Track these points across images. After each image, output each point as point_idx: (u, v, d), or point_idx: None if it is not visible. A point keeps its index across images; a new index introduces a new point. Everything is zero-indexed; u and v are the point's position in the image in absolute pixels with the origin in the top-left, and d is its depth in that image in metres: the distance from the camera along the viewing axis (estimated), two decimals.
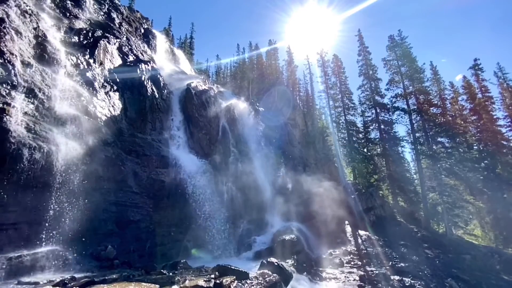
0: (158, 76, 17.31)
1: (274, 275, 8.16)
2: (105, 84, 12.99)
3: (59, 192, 8.58)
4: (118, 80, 13.85)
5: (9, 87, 8.21)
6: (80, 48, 13.20)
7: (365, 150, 30.35)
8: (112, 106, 12.73)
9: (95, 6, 19.07)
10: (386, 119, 30.10)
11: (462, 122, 28.48)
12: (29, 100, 8.69)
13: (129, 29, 22.24)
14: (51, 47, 10.80)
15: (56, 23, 13.26)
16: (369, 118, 31.39)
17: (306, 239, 15.22)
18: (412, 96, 27.61)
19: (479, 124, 28.62)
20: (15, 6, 10.13)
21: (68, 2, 15.87)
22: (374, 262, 14.04)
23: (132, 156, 12.53)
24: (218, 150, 18.45)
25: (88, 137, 10.32)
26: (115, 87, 13.44)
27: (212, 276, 7.03)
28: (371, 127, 31.20)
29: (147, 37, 24.54)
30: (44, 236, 7.95)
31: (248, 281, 7.28)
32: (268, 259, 9.12)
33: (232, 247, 14.08)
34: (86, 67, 12.55)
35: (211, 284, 6.17)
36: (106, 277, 6.40)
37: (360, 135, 31.80)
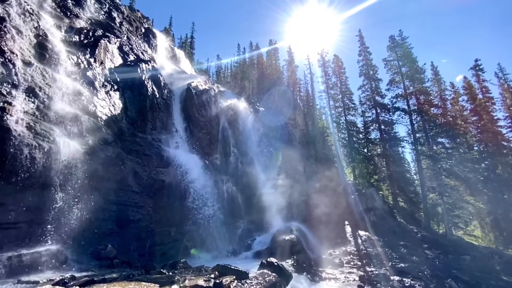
0: (159, 75, 17.31)
1: (274, 275, 8.14)
2: (106, 83, 12.98)
3: (59, 191, 8.57)
4: (118, 79, 13.84)
5: (9, 86, 8.20)
6: (81, 48, 13.19)
7: (366, 150, 30.40)
8: (113, 106, 12.73)
9: (95, 5, 19.07)
10: (386, 119, 30.11)
11: (463, 123, 28.46)
12: (30, 99, 8.68)
13: (130, 28, 22.24)
14: (51, 46, 10.80)
15: (57, 22, 13.26)
16: (370, 118, 31.43)
17: (306, 239, 15.22)
18: (412, 96, 27.64)
19: (479, 125, 28.58)
20: (16, 5, 10.14)
21: (69, 1, 15.86)
22: (374, 262, 14.04)
23: (133, 155, 12.53)
24: (218, 150, 18.47)
25: (88, 136, 10.31)
26: (115, 87, 13.43)
27: (212, 275, 7.03)
28: (372, 128, 31.22)
29: (148, 36, 24.54)
30: (44, 235, 7.94)
31: (248, 281, 7.26)
32: (268, 259, 9.09)
33: (232, 247, 14.09)
34: (86, 66, 12.54)
35: (211, 284, 6.16)
36: (106, 276, 6.41)
37: (361, 135, 31.83)
